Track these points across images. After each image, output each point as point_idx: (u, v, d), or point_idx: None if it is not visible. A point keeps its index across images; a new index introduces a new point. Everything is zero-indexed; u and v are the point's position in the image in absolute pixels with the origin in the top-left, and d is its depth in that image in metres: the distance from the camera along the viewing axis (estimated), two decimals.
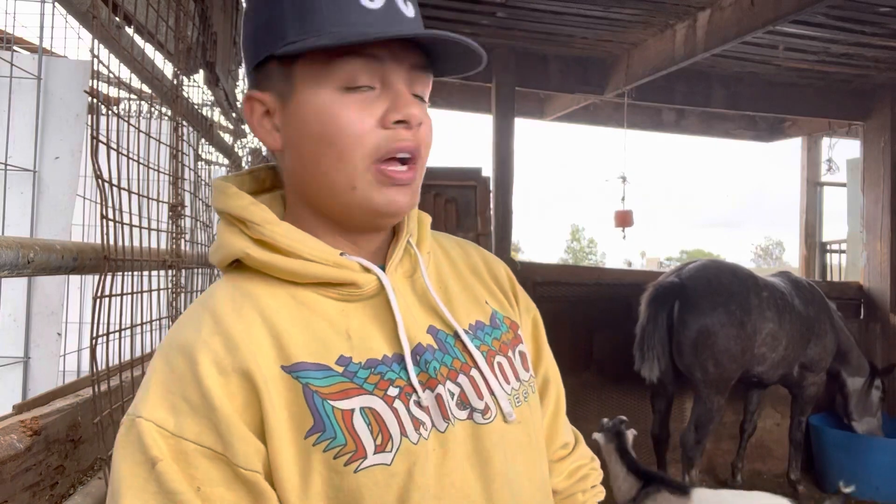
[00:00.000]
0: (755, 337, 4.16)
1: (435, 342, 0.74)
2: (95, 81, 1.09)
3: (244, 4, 2.62)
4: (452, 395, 0.72)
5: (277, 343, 0.67)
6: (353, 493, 0.65)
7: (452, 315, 0.77)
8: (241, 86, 2.52)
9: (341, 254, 0.73)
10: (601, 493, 0.91)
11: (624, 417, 3.28)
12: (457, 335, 0.76)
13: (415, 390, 0.69)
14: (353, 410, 0.66)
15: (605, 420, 3.26)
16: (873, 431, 4.94)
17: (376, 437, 0.66)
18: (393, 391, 0.69)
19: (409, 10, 0.72)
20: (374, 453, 0.66)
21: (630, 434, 3.16)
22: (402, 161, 0.71)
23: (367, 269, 0.73)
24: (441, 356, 0.73)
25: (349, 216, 0.73)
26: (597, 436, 3.12)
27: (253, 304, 0.70)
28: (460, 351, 0.75)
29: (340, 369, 0.68)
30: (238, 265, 0.74)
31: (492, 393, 0.74)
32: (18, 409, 1.16)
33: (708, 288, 4.13)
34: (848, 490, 3.14)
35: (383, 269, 0.75)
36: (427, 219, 0.84)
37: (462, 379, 0.74)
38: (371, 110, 0.70)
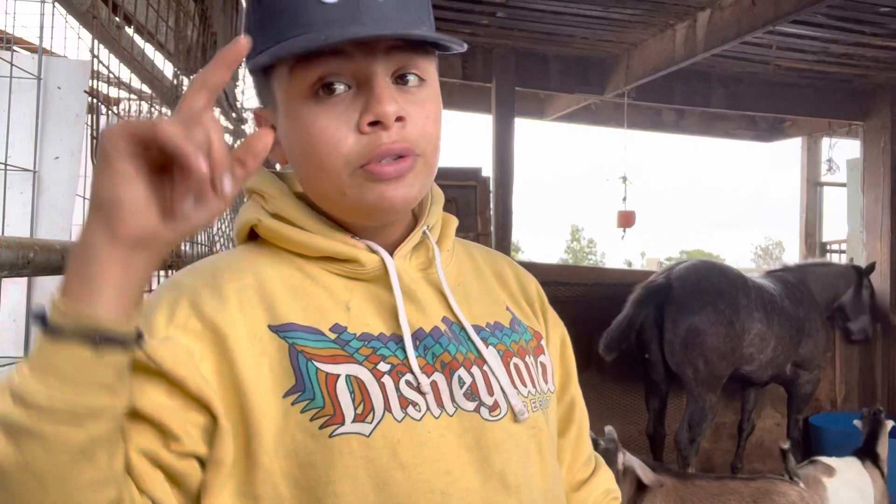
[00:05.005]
0: (744, 336, 4.18)
1: (449, 332, 0.72)
2: (95, 81, 1.10)
3: (244, 4, 2.62)
4: (462, 383, 0.69)
5: (268, 305, 0.67)
6: (326, 459, 0.63)
7: (468, 311, 0.75)
8: (241, 86, 2.52)
9: (352, 236, 0.72)
10: None
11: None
12: (462, 328, 0.73)
13: (411, 371, 0.67)
14: (338, 376, 0.65)
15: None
16: (865, 328, 5.12)
17: (357, 406, 0.64)
18: (383, 367, 0.67)
19: None
20: (353, 421, 0.64)
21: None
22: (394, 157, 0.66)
23: (373, 251, 0.71)
24: (456, 346, 0.71)
25: (350, 217, 0.72)
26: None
27: (253, 269, 0.70)
28: (472, 345, 0.72)
29: (333, 336, 0.67)
30: (256, 240, 0.74)
31: (502, 390, 0.71)
32: None
33: (697, 287, 4.16)
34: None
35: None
36: (453, 221, 0.82)
37: (475, 371, 0.71)
38: (347, 115, 0.65)
